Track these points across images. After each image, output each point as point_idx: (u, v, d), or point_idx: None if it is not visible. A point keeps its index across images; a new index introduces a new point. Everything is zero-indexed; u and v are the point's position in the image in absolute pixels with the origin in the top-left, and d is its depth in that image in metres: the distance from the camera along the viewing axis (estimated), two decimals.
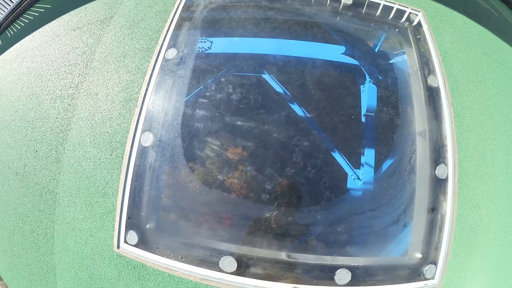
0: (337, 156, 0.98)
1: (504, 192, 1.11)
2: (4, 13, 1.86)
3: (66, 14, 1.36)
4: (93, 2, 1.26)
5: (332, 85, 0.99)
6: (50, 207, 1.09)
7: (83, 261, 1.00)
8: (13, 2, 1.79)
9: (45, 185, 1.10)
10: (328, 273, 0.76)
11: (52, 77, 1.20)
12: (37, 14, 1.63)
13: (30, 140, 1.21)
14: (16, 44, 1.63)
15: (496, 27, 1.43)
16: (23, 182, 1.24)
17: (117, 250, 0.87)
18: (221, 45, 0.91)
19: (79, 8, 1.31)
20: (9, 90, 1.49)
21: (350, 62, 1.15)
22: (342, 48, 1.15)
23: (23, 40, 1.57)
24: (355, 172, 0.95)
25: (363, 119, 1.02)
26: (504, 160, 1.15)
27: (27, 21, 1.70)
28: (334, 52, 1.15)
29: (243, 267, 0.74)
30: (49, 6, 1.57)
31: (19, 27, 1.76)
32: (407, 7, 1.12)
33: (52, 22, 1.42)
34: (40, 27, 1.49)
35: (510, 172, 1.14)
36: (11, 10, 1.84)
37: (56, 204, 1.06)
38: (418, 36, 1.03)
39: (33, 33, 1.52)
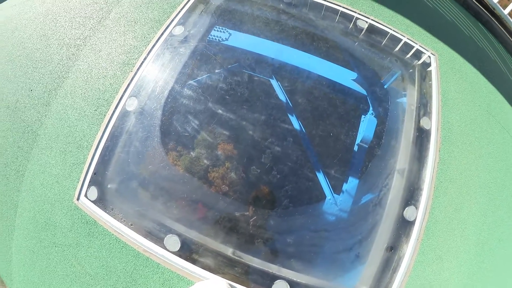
0: (320, 176, 1.00)
1: (472, 253, 1.11)
2: None
3: None
4: None
5: (335, 108, 1.02)
6: (29, 146, 1.15)
7: (43, 205, 1.04)
8: None
9: (30, 124, 1.16)
10: (266, 280, 0.79)
11: (66, 24, 1.26)
12: None
13: (29, 79, 1.27)
14: None
15: (509, 92, 1.44)
16: (11, 117, 1.30)
17: (76, 202, 0.91)
18: (228, 36, 0.96)
19: None
20: (23, 27, 1.57)
21: (359, 90, 1.18)
22: (354, 75, 1.19)
23: None
24: (330, 190, 0.98)
25: (355, 148, 1.04)
26: (479, 221, 1.14)
27: None
28: (345, 76, 1.18)
29: (186, 250, 0.78)
30: None
31: None
32: (422, 47, 1.15)
33: None
34: None
35: (483, 235, 1.14)
36: None
37: (34, 145, 1.12)
38: (424, 77, 1.06)
39: None
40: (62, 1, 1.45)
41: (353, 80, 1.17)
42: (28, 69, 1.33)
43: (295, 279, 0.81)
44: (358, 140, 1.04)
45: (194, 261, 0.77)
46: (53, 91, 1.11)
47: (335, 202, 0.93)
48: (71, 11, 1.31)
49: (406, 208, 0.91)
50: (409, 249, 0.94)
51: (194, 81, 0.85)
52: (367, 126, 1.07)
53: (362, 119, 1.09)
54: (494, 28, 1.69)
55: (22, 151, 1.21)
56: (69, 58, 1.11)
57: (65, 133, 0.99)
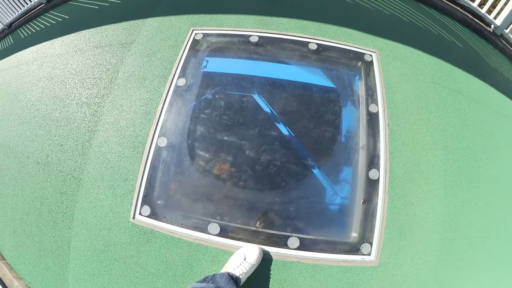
0: (317, 172, 1.53)
1: (441, 195, 1.48)
2: (17, 13, 2.42)
3: (87, 30, 1.92)
4: (113, 25, 1.83)
5: (316, 107, 1.53)
6: (73, 190, 1.63)
7: (100, 232, 1.53)
8: (27, 4, 2.35)
9: (70, 172, 1.64)
10: (283, 239, 1.33)
11: (77, 86, 1.75)
12: (54, 22, 2.19)
13: (55, 136, 1.75)
14: (32, 48, 2.17)
15: (457, 57, 1.88)
16: (44, 170, 1.76)
17: (132, 220, 1.42)
18: (219, 79, 1.49)
19: (100, 27, 1.88)
20: (27, 90, 2.03)
21: (331, 85, 1.70)
22: (321, 73, 1.73)
23: (41, 45, 2.12)
24: (329, 183, 1.50)
25: (343, 139, 1.58)
26: (442, 170, 1.58)
27: (43, 26, 2.25)
28: (316, 75, 1.71)
29: (224, 231, 1.32)
30: (67, 17, 2.13)
31: (33, 30, 2.31)
32: (364, 49, 1.72)
33: (72, 34, 1.98)
34: (59, 36, 2.05)
35: (448, 179, 1.56)
36: (24, 12, 2.40)
37: (79, 188, 1.60)
38: (369, 73, 1.63)
39: (52, 40, 2.07)
40: (62, 64, 1.92)
41: (323, 78, 1.71)
42: (51, 128, 1.80)
43: (301, 235, 1.36)
44: (344, 131, 1.57)
45: (231, 238, 1.28)
46: (86, 143, 1.60)
47: (336, 193, 1.47)
48: (77, 74, 1.79)
49: (369, 171, 1.48)
50: (379, 200, 1.50)
51: (203, 115, 1.39)
52: (348, 117, 1.60)
53: (343, 111, 1.62)
54: (435, 4, 2.28)
55: (66, 195, 1.68)
56: (93, 114, 1.61)
57: (109, 173, 1.50)
